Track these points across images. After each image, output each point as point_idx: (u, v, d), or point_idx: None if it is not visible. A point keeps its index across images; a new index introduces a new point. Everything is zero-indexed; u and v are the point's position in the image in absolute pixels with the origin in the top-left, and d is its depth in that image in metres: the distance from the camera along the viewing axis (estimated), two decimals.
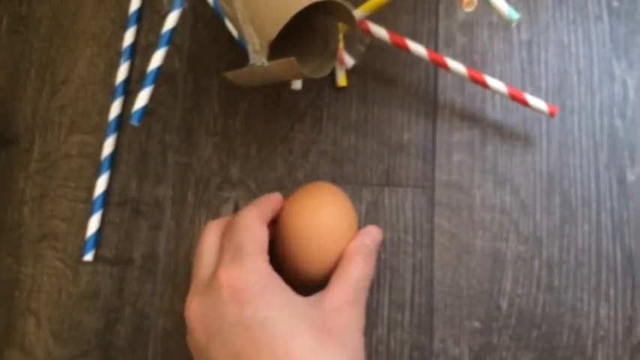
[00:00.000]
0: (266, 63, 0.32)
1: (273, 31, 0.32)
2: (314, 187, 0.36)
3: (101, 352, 0.38)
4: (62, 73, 0.43)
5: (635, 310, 0.36)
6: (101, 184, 0.40)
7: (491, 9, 0.32)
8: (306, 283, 0.35)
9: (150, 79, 0.37)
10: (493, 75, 0.39)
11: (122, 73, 0.42)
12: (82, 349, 0.38)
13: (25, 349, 0.39)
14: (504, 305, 0.37)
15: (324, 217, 0.34)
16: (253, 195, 0.40)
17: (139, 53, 0.43)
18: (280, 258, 0.35)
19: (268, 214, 0.34)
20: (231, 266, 0.30)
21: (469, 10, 0.28)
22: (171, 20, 0.37)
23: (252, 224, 0.32)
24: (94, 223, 0.40)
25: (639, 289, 0.37)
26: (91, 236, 0.39)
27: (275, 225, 0.35)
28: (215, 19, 0.42)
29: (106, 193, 0.40)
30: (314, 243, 0.33)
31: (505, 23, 0.34)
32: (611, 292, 0.37)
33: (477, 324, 0.37)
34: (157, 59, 0.37)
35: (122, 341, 0.38)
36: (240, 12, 0.33)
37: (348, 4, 0.35)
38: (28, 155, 0.42)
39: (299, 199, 0.35)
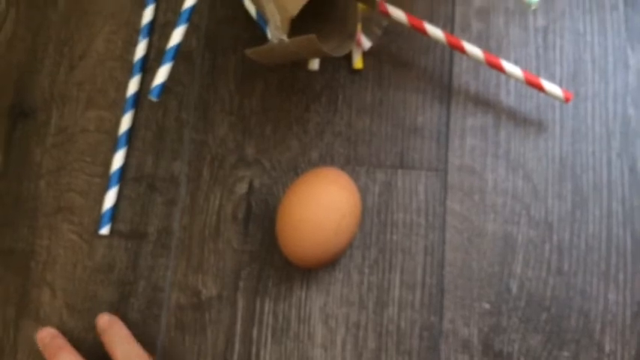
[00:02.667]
0: (286, 40, 0.33)
1: (295, 8, 0.32)
2: (312, 174, 0.36)
3: None
4: (80, 48, 0.43)
5: None
6: (118, 160, 0.41)
7: None
8: (300, 267, 0.37)
9: (169, 55, 0.37)
10: (508, 61, 0.40)
11: (140, 50, 0.42)
12: None
13: (39, 320, 0.39)
14: (514, 288, 0.37)
15: (314, 205, 0.34)
16: (268, 174, 0.40)
17: (157, 31, 0.43)
18: (279, 241, 0.36)
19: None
20: None
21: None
22: None
23: None
24: (110, 198, 0.40)
25: None
26: (107, 210, 0.40)
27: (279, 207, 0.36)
28: None
29: (123, 169, 0.41)
30: (302, 232, 0.34)
31: (524, 7, 0.34)
32: (621, 277, 0.37)
33: (486, 306, 0.37)
34: (176, 36, 0.37)
35: (136, 314, 0.39)
36: None
37: None
38: (45, 129, 0.42)
39: (297, 186, 0.36)
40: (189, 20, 0.37)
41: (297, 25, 0.35)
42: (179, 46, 0.37)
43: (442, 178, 0.39)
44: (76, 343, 0.39)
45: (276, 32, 0.33)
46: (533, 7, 0.31)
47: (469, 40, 0.41)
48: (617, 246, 0.37)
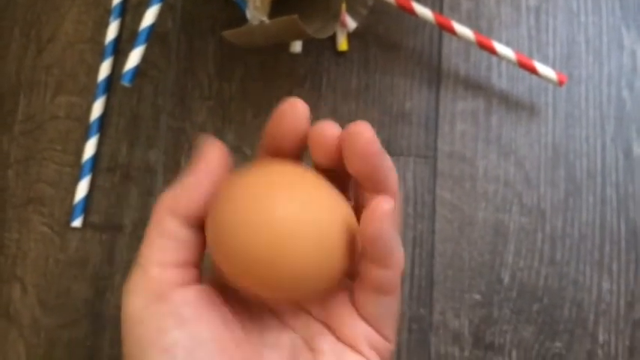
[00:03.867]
0: (267, 21, 0.31)
1: None
2: (266, 167, 0.21)
3: (90, 321, 0.37)
4: (48, 30, 0.41)
5: (638, 284, 0.36)
6: (90, 148, 0.39)
7: None
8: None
9: (142, 37, 0.35)
10: (499, 42, 0.38)
11: (112, 31, 0.40)
12: (71, 317, 0.37)
13: (10, 317, 0.37)
14: (506, 278, 0.36)
15: (279, 212, 0.19)
16: (249, 161, 0.38)
17: (130, 11, 0.41)
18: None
19: (190, 201, 0.21)
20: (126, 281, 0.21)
21: None
22: None
23: (156, 224, 0.21)
24: (82, 188, 0.38)
25: None
26: (80, 201, 0.38)
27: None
28: None
29: (95, 157, 0.39)
30: (264, 255, 0.19)
31: None
32: (614, 266, 0.36)
33: (477, 297, 0.36)
34: (149, 17, 0.35)
35: (112, 310, 0.37)
36: None
37: None
38: (12, 116, 0.40)
39: (243, 181, 0.21)
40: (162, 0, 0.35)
41: (278, 5, 0.33)
42: (153, 28, 0.35)
43: (431, 165, 0.38)
44: (50, 342, 0.37)
45: (255, 13, 0.31)
46: None
47: (459, 20, 0.39)
48: (610, 234, 0.36)
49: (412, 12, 0.36)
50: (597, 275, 0.36)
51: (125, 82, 0.34)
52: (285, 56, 0.39)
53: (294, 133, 0.22)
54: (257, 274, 0.19)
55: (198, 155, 0.22)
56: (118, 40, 0.40)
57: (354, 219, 0.21)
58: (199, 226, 0.22)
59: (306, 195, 0.20)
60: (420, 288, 0.36)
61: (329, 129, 0.21)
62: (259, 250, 0.19)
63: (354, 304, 0.22)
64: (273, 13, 0.32)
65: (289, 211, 0.19)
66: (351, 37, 0.39)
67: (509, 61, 0.36)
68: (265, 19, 0.31)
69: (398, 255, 0.21)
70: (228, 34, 0.33)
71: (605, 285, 0.36)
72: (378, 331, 0.22)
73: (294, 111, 0.22)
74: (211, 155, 0.22)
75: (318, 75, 0.39)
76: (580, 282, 0.36)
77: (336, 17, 0.34)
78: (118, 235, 0.38)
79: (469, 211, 0.37)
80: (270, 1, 0.30)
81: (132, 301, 0.21)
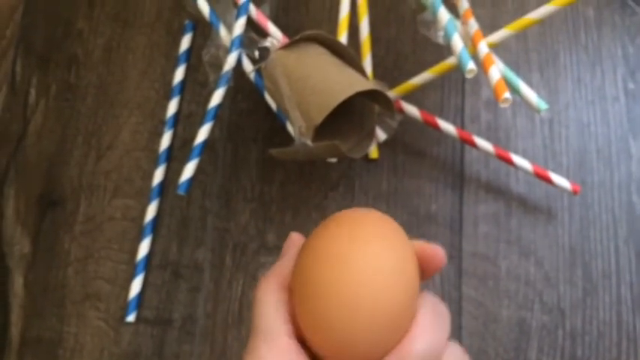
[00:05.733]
0: (311, 144, 0.35)
1: (319, 117, 0.34)
2: (349, 217, 0.25)
3: None
4: (107, 139, 0.45)
5: None
6: (144, 247, 0.42)
7: (522, 99, 0.35)
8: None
9: (196, 152, 0.39)
10: (516, 151, 0.42)
11: (165, 141, 0.44)
12: None
13: None
14: None
15: (371, 261, 0.23)
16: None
17: (181, 122, 0.45)
18: (301, 326, 0.24)
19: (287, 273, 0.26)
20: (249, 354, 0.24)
21: (505, 106, 0.31)
22: (217, 96, 0.40)
23: (264, 295, 0.25)
24: (136, 285, 0.41)
25: None
26: (134, 298, 0.41)
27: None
28: (254, 91, 0.45)
29: (148, 256, 0.42)
30: (355, 309, 0.22)
31: (534, 111, 0.36)
32: None
33: None
34: (203, 133, 0.39)
35: None
36: (287, 97, 0.35)
37: (385, 87, 0.37)
38: (74, 217, 0.44)
39: (324, 236, 0.25)
40: (215, 117, 0.40)
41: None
42: (205, 143, 0.39)
43: (456, 264, 0.41)
44: None
45: (300, 137, 0.35)
46: (542, 113, 0.33)
47: (478, 131, 0.43)
48: (627, 332, 0.39)
49: (437, 127, 0.40)
50: None
51: (181, 192, 0.38)
52: (320, 163, 0.43)
53: None
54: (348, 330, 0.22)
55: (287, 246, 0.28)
56: (170, 148, 0.45)
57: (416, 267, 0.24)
58: None
59: (384, 253, 0.23)
60: None
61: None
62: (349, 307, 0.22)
63: None
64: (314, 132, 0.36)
65: (372, 278, 0.23)
66: (381, 146, 0.43)
67: (526, 172, 0.40)
68: (309, 142, 0.35)
69: None
70: (275, 152, 0.37)
71: None
72: None
73: None
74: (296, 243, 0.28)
75: (350, 180, 0.43)
76: None
77: (369, 135, 0.38)
78: (168, 329, 0.41)
79: (493, 308, 0.40)
80: (314, 128, 0.34)
81: None
